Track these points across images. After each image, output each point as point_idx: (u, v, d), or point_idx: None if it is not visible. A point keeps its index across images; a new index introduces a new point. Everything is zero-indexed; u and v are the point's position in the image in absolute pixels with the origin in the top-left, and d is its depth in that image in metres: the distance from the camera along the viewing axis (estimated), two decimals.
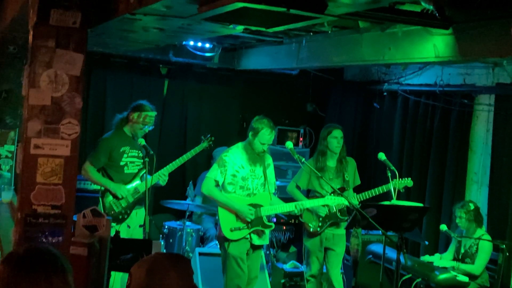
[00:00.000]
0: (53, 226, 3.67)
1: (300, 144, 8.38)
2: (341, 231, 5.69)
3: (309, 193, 5.82)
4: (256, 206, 5.19)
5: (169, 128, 8.05)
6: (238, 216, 5.14)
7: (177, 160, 5.44)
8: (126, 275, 2.19)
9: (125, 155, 5.31)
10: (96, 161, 5.28)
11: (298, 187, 5.77)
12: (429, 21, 4.38)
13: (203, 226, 7.12)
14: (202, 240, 7.07)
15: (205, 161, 7.80)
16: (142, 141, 5.19)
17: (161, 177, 5.33)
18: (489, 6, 4.21)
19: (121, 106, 5.53)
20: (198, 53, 7.60)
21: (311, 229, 5.61)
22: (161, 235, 6.76)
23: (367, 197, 5.55)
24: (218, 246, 5.57)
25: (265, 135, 5.12)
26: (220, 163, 5.21)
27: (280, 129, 8.16)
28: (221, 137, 7.81)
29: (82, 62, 3.71)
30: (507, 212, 6.00)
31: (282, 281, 6.40)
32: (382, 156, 5.28)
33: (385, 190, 5.38)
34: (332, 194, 5.39)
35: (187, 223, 6.60)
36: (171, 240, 6.64)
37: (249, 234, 5.18)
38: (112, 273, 4.18)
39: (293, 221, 7.29)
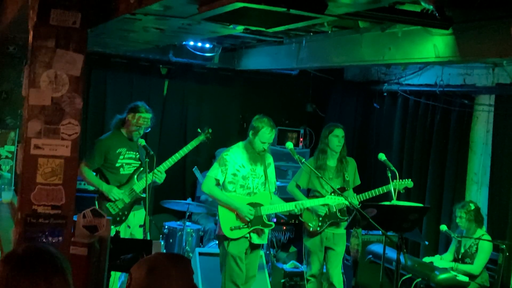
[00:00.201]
0: (53, 226, 3.67)
1: (300, 144, 8.38)
2: (341, 230, 5.69)
3: (309, 193, 5.82)
4: (256, 205, 5.19)
5: (169, 128, 8.05)
6: (238, 215, 5.14)
7: (173, 156, 5.36)
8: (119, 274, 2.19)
9: (121, 157, 5.31)
10: (90, 162, 5.28)
11: (298, 186, 5.77)
12: (429, 21, 4.38)
13: (203, 226, 7.13)
14: (202, 240, 7.07)
15: (206, 161, 7.80)
16: (142, 142, 5.19)
17: (157, 174, 5.21)
18: (489, 6, 4.21)
19: (121, 106, 5.53)
20: (198, 53, 7.61)
21: (311, 229, 5.62)
22: (161, 235, 6.76)
23: (367, 198, 5.55)
24: (218, 246, 5.57)
25: (266, 133, 5.13)
26: (220, 162, 5.21)
27: (280, 129, 8.16)
28: (221, 137, 7.82)
29: (82, 62, 3.71)
30: (507, 212, 6.00)
31: (282, 281, 6.41)
32: (382, 156, 5.28)
33: (385, 191, 5.38)
34: (332, 194, 5.39)
35: (187, 223, 6.60)
36: (171, 240, 6.64)
37: (249, 233, 5.19)
38: (112, 273, 4.18)
39: (293, 221, 7.29)
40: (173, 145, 8.00)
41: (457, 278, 5.37)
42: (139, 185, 5.25)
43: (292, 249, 7.49)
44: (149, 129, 5.42)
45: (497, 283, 5.41)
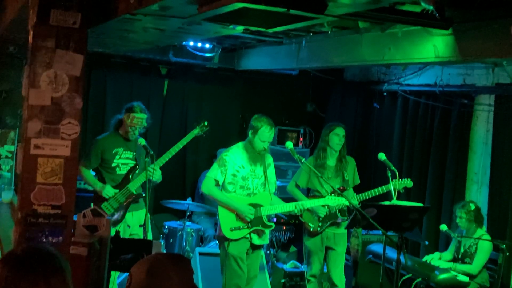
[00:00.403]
0: (53, 226, 3.68)
1: (300, 144, 8.38)
2: (342, 230, 5.69)
3: (309, 192, 5.82)
4: (256, 205, 5.19)
5: (169, 128, 8.04)
6: (238, 216, 5.14)
7: (167, 152, 5.32)
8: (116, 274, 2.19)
9: (117, 157, 5.32)
10: (87, 161, 5.32)
11: (297, 186, 5.77)
12: (429, 22, 4.38)
13: (203, 226, 7.13)
14: (202, 240, 7.07)
15: (206, 161, 7.80)
16: (142, 141, 5.19)
17: (151, 171, 5.09)
18: (489, 6, 4.21)
19: (121, 106, 5.53)
20: (198, 53, 7.61)
21: (311, 229, 5.62)
22: (161, 235, 6.76)
23: (367, 198, 5.54)
24: (218, 246, 5.57)
25: (265, 132, 5.12)
26: (220, 163, 5.21)
27: (280, 129, 8.16)
28: (221, 137, 7.82)
29: (82, 62, 3.71)
30: (507, 212, 6.00)
31: (282, 281, 6.40)
32: (382, 156, 5.28)
33: (385, 191, 5.37)
34: (332, 194, 5.39)
35: (187, 223, 6.60)
36: (171, 240, 6.64)
37: (249, 233, 5.18)
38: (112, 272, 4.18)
39: (293, 221, 7.29)
40: (173, 145, 8.01)
41: (457, 278, 5.37)
42: (133, 184, 5.26)
43: (292, 249, 7.49)
44: (145, 129, 5.40)
45: (497, 283, 5.41)
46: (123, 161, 5.33)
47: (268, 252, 6.51)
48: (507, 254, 5.34)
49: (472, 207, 5.62)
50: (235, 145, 5.34)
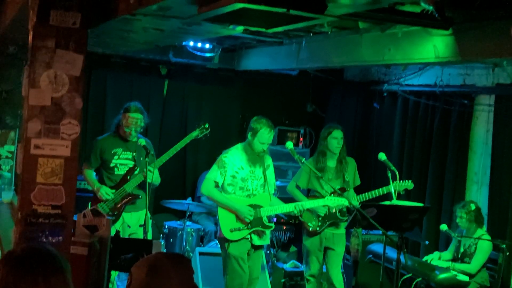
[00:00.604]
0: (53, 226, 3.68)
1: (300, 144, 8.38)
2: (341, 230, 5.69)
3: (309, 193, 5.82)
4: (255, 206, 5.19)
5: (169, 129, 8.04)
6: (238, 217, 5.14)
7: (165, 154, 5.31)
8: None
9: (116, 157, 5.33)
10: (88, 162, 5.37)
11: (298, 186, 5.77)
12: (429, 22, 4.38)
13: (203, 226, 7.13)
14: (203, 239, 7.07)
15: (206, 161, 7.80)
16: (142, 142, 5.20)
17: (147, 172, 5.03)
18: (489, 7, 4.21)
19: (121, 107, 5.52)
20: (198, 53, 7.60)
21: (310, 229, 5.61)
22: (161, 235, 6.76)
23: (367, 198, 5.54)
24: (219, 246, 5.57)
25: (264, 134, 5.12)
26: (219, 164, 5.21)
27: (280, 129, 8.16)
28: (221, 137, 7.82)
29: (82, 62, 3.71)
30: (507, 212, 6.00)
31: (283, 280, 6.41)
32: (382, 156, 5.28)
33: (386, 192, 5.37)
34: (332, 195, 5.39)
35: (187, 223, 6.61)
36: (171, 240, 6.64)
37: (249, 234, 5.18)
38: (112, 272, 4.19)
39: (293, 221, 7.29)
40: (173, 146, 8.01)
41: (457, 277, 5.37)
42: (129, 185, 5.26)
43: (292, 248, 7.49)
44: (141, 129, 5.37)
45: (497, 282, 5.41)
46: (121, 161, 5.34)
47: (268, 252, 6.52)
48: (507, 254, 5.34)
49: (473, 207, 5.63)
50: (234, 147, 5.34)
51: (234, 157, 5.22)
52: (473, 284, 5.45)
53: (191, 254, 6.42)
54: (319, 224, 5.60)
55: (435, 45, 4.88)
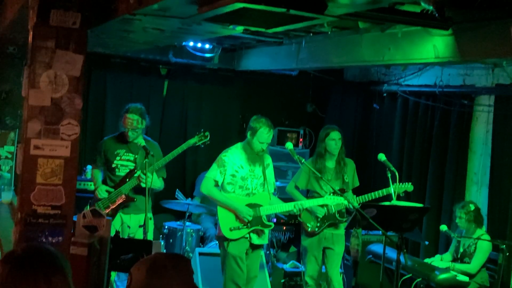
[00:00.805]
0: (53, 226, 3.68)
1: (300, 144, 8.38)
2: (340, 231, 5.69)
3: (308, 193, 5.81)
4: (255, 206, 5.19)
5: (169, 129, 8.05)
6: (237, 216, 5.14)
7: (161, 159, 5.30)
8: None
9: (117, 158, 5.35)
10: (94, 162, 5.52)
11: (297, 187, 5.76)
12: (429, 22, 4.38)
13: (203, 226, 7.13)
14: (202, 240, 7.07)
15: (205, 162, 7.79)
16: (142, 142, 5.20)
17: (143, 178, 5.03)
18: (489, 7, 4.21)
19: (121, 107, 5.53)
20: (198, 53, 7.61)
21: (309, 229, 5.61)
22: (161, 235, 6.76)
23: (367, 200, 5.53)
24: (218, 246, 5.57)
25: (263, 133, 5.12)
26: (219, 163, 5.21)
27: (280, 129, 8.16)
28: (221, 137, 7.81)
29: (82, 62, 3.71)
30: (507, 212, 6.00)
31: (282, 281, 6.41)
32: (382, 157, 5.28)
33: (385, 194, 5.36)
34: (331, 194, 5.38)
35: (187, 223, 6.60)
36: (171, 240, 6.64)
37: (249, 233, 5.18)
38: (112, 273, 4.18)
39: (293, 221, 7.29)
40: (173, 146, 7.92)
41: (457, 278, 5.37)
42: (126, 186, 5.26)
43: (292, 249, 7.49)
44: (140, 130, 5.34)
45: (497, 283, 5.41)
46: (122, 162, 5.35)
47: (268, 252, 6.52)
48: (507, 254, 5.33)
49: (472, 207, 5.63)
50: (233, 146, 5.34)
51: (233, 156, 5.22)
52: (473, 285, 5.45)
53: (191, 255, 6.42)
54: (318, 224, 5.60)
55: (435, 45, 4.88)
